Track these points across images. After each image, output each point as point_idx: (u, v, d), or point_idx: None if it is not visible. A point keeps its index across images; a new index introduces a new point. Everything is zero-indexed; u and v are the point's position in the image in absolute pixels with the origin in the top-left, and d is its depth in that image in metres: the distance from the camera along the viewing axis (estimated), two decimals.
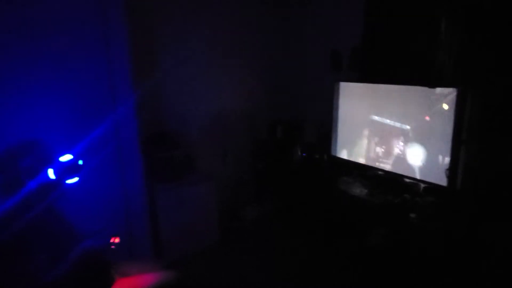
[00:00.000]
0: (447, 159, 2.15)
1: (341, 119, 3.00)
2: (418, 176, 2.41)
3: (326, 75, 3.26)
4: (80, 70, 2.28)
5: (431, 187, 2.32)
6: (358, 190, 2.61)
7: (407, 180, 2.51)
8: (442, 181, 2.20)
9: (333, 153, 3.09)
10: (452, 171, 2.03)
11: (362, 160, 2.84)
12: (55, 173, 1.29)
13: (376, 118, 2.69)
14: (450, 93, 2.13)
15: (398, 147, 2.54)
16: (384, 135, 2.63)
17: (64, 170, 1.31)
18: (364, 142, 2.81)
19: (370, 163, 2.78)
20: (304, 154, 3.27)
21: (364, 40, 2.89)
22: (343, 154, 3.02)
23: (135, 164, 2.57)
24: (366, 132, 2.78)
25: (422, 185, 2.44)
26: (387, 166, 2.64)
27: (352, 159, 2.93)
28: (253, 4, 3.49)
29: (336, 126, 3.04)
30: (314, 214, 3.03)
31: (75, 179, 1.38)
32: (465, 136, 2.03)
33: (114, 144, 2.43)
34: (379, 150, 2.69)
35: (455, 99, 2.06)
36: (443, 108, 2.18)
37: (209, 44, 3.27)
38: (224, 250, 3.09)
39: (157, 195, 2.80)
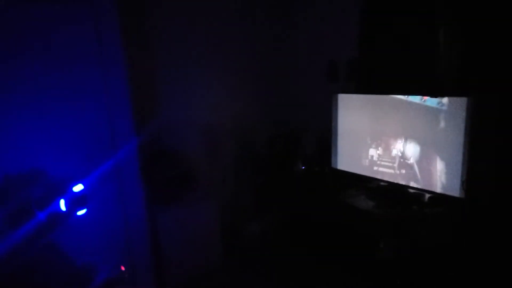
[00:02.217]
0: (457, 169, 2.14)
1: (341, 131, 2.98)
2: (424, 187, 2.40)
3: (323, 86, 3.26)
4: (82, 101, 2.34)
5: (439, 197, 2.30)
6: (364, 203, 2.58)
7: (413, 190, 2.49)
8: (452, 191, 2.18)
9: (333, 165, 3.06)
10: (468, 182, 2.02)
11: (364, 172, 2.82)
12: (66, 204, 1.20)
13: (377, 128, 2.68)
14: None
15: (401, 157, 2.53)
16: (386, 146, 2.62)
17: (75, 201, 1.23)
18: (365, 153, 2.79)
19: (372, 174, 2.75)
20: (303, 167, 3.24)
21: (361, 50, 2.89)
22: (344, 166, 2.99)
23: (135, 189, 2.51)
24: (367, 143, 2.76)
25: (428, 195, 2.42)
26: (390, 177, 2.62)
27: (353, 171, 2.90)
28: (249, 18, 3.49)
29: (336, 138, 3.01)
30: (318, 228, 2.98)
31: (84, 211, 1.30)
32: (477, 145, 2.02)
33: (114, 168, 2.36)
34: (381, 161, 2.68)
35: (466, 109, 2.05)
36: (449, 118, 2.18)
37: (206, 60, 3.24)
38: (227, 270, 3.01)
39: (157, 217, 2.71)
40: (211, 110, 3.33)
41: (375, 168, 2.72)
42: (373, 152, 2.73)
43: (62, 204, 1.19)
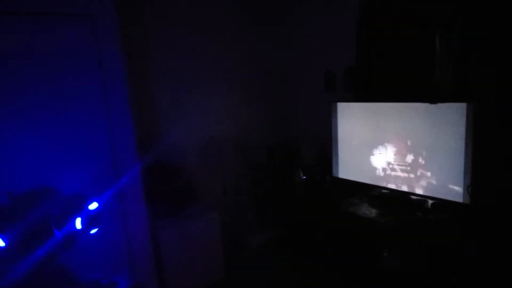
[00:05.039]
0: (460, 174, 2.16)
1: (341, 139, 2.99)
2: (427, 193, 2.41)
3: (321, 95, 3.28)
4: (82, 118, 2.35)
5: (442, 204, 2.32)
6: (367, 211, 2.59)
7: (416, 197, 2.50)
8: (455, 197, 2.20)
9: (334, 174, 3.07)
10: (474, 188, 2.04)
11: (365, 180, 2.83)
12: (82, 222, 1.19)
13: (377, 136, 2.70)
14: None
15: (403, 164, 2.55)
16: (387, 153, 2.64)
17: (90, 220, 1.22)
18: (366, 161, 2.80)
19: (374, 182, 2.76)
20: (304, 177, 3.24)
21: (358, 58, 2.92)
22: (346, 175, 3.00)
23: (137, 204, 2.49)
24: (367, 151, 2.78)
25: (431, 202, 2.44)
26: (393, 184, 2.64)
27: (355, 179, 2.91)
28: (247, 29, 3.52)
29: (336, 146, 3.03)
30: (321, 238, 2.97)
31: (96, 229, 1.29)
32: (479, 150, 2.05)
33: (116, 184, 2.35)
34: (383, 168, 2.69)
35: (466, 114, 2.08)
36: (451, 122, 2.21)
37: (204, 73, 3.26)
38: (230, 284, 2.97)
39: (159, 232, 2.68)
40: (210, 122, 3.34)
41: (377, 175, 2.74)
42: (374, 160, 2.75)
43: (78, 222, 1.18)
